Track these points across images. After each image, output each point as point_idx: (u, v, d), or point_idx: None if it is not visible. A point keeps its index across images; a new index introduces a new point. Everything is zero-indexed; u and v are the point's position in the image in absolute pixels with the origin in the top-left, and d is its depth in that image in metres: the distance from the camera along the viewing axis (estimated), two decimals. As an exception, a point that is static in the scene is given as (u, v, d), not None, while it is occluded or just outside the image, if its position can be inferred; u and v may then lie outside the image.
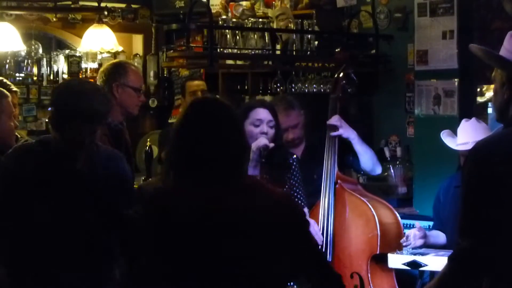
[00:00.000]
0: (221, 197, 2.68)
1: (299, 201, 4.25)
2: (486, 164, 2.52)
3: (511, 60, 2.62)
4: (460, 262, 2.52)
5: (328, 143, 4.74)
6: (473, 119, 4.55)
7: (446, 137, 4.58)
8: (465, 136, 4.43)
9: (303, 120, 4.94)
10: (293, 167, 4.24)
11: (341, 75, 4.94)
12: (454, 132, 4.60)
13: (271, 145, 4.08)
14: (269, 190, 2.84)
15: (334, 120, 4.74)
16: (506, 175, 2.46)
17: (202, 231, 2.64)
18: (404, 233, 4.54)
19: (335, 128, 4.73)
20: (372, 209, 4.52)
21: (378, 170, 4.91)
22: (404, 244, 4.42)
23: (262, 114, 4.16)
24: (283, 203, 2.80)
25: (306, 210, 4.30)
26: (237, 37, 6.01)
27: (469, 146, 4.30)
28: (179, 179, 2.75)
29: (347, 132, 4.74)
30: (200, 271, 2.65)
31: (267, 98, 6.33)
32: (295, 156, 4.32)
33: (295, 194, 4.23)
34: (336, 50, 5.38)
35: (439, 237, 4.57)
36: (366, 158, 4.79)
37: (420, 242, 4.40)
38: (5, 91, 4.02)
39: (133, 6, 7.86)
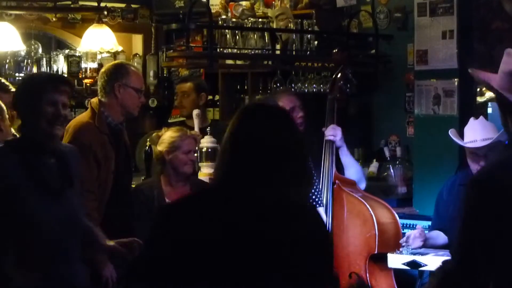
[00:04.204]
0: None
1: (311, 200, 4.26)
2: (488, 192, 2.43)
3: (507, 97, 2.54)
4: (442, 281, 2.49)
5: (326, 144, 4.74)
6: (481, 117, 4.58)
7: (454, 136, 4.61)
8: (474, 134, 4.47)
9: (302, 115, 4.89)
10: None
11: (338, 75, 4.94)
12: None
13: None
14: None
15: (330, 131, 4.75)
16: (508, 203, 2.38)
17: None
18: (405, 233, 4.54)
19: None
20: (370, 209, 4.53)
21: (362, 186, 4.86)
22: (402, 244, 4.42)
23: None
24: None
25: (321, 209, 4.30)
26: (237, 37, 6.01)
27: (477, 144, 4.39)
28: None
29: (341, 141, 4.75)
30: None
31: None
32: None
33: None
34: (334, 50, 5.37)
35: (439, 238, 4.56)
36: (353, 171, 4.81)
37: (417, 244, 4.39)
38: None
39: (132, 6, 7.84)
